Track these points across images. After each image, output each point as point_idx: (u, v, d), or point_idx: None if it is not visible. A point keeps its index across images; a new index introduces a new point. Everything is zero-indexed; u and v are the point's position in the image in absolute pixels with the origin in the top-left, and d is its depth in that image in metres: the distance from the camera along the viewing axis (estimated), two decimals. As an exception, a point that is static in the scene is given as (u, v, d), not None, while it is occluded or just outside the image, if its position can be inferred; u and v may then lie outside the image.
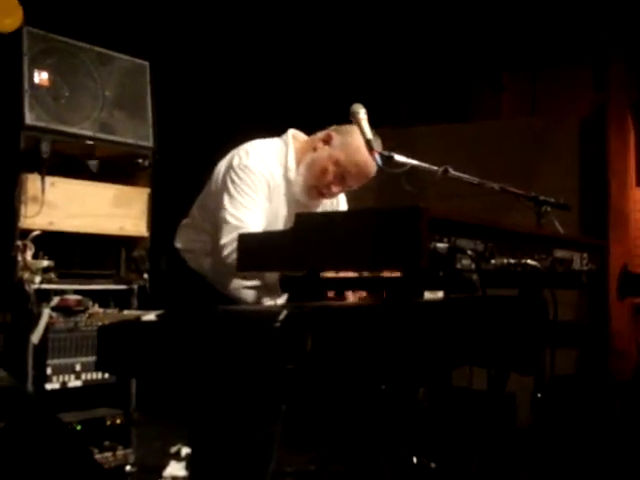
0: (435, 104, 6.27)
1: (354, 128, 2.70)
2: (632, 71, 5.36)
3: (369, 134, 2.45)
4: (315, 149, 2.72)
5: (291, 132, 2.80)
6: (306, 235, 1.73)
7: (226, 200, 2.57)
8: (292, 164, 2.72)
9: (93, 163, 3.73)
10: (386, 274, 1.97)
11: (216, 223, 2.60)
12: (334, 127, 2.76)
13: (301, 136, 2.83)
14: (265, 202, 2.61)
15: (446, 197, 3.65)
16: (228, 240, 2.50)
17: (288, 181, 2.71)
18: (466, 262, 1.70)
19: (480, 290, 1.70)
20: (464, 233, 1.73)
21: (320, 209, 2.87)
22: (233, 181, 2.59)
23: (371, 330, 1.79)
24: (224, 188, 2.60)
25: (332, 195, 2.80)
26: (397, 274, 1.87)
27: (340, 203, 2.97)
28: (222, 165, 2.71)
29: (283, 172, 2.70)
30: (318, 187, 2.72)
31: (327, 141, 2.71)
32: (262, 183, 2.61)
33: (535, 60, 5.86)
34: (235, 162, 2.62)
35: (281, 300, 2.66)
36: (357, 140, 2.63)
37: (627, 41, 5.23)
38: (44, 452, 1.82)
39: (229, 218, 2.53)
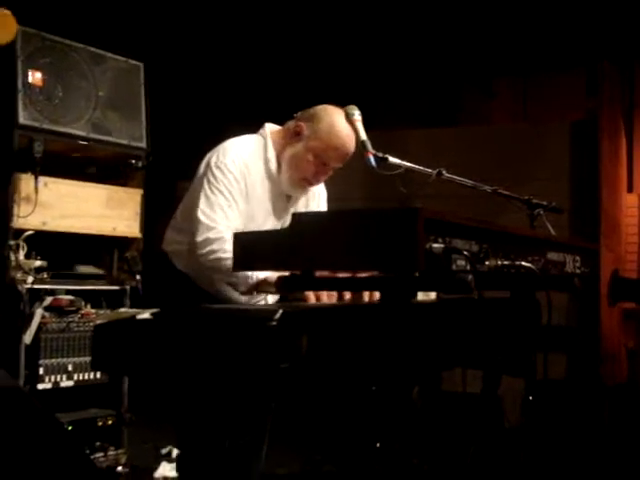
0: (426, 108, 6.29)
1: (319, 110, 2.71)
2: (625, 77, 5.40)
3: (363, 135, 2.47)
4: (290, 144, 2.71)
5: (268, 126, 2.80)
6: (302, 235, 1.74)
7: (202, 199, 2.59)
8: (272, 155, 2.72)
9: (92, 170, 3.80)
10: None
11: (192, 221, 2.63)
12: (300, 114, 2.74)
13: (277, 128, 2.82)
14: (241, 201, 2.62)
15: (436, 199, 3.68)
16: (201, 239, 2.54)
17: (270, 174, 2.72)
18: (461, 263, 1.71)
19: (475, 291, 1.71)
20: (459, 234, 1.74)
21: (303, 200, 2.87)
22: (209, 180, 2.61)
23: (366, 330, 1.80)
24: (201, 187, 2.62)
25: (321, 181, 2.82)
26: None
27: (321, 194, 2.97)
28: (203, 164, 2.73)
29: (264, 166, 2.72)
30: (306, 178, 2.73)
31: (298, 133, 2.69)
32: (238, 182, 2.62)
33: (527, 66, 5.89)
34: (213, 161, 2.64)
35: (271, 298, 2.67)
36: (326, 123, 2.65)
37: (620, 47, 5.26)
38: (41, 452, 1.82)
39: (202, 218, 2.56)
